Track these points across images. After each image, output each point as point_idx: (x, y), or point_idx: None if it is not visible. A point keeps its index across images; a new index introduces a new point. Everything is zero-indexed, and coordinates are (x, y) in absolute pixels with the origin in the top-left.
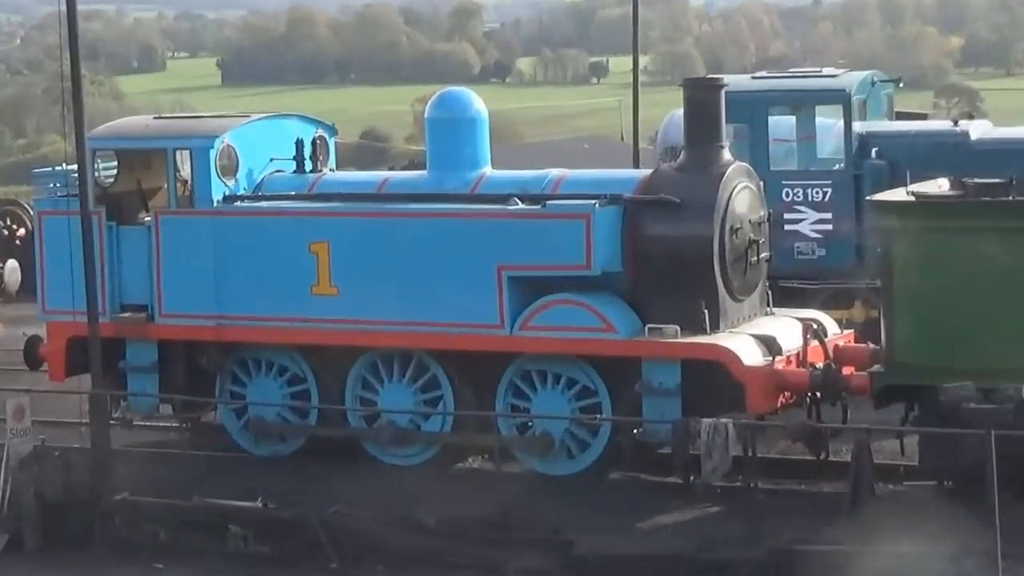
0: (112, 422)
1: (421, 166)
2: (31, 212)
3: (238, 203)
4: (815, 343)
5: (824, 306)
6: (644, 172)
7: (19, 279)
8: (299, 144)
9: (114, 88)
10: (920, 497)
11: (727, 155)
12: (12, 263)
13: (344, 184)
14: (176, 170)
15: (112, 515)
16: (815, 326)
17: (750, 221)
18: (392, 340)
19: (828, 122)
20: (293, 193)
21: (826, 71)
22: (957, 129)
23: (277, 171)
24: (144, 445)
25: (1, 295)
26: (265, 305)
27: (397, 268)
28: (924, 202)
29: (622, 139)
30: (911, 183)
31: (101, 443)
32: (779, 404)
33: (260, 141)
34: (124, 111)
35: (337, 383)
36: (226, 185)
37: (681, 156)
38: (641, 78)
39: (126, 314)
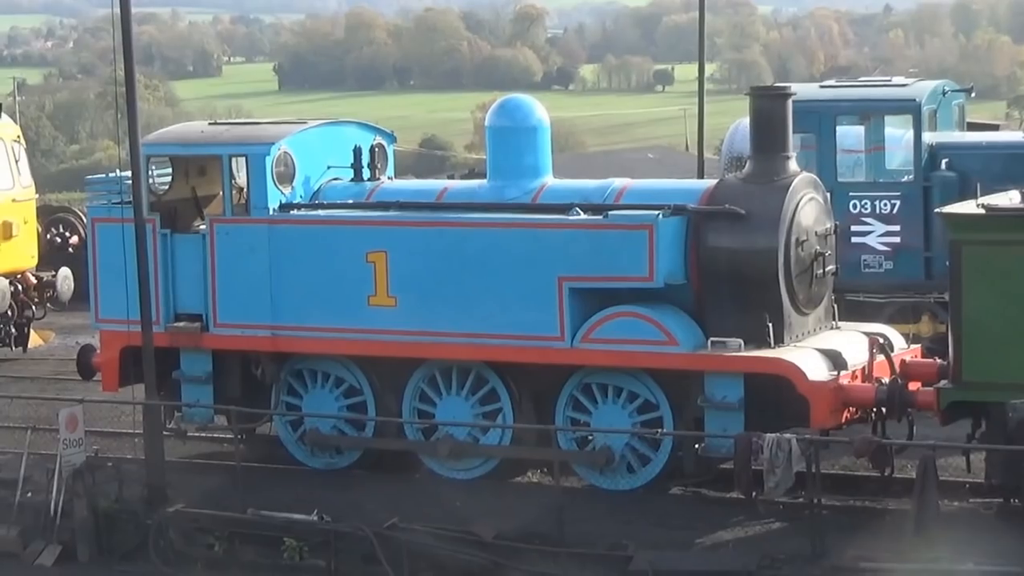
0: (166, 433)
1: (482, 175)
2: (84, 219)
3: (294, 211)
4: (881, 358)
5: (891, 320)
6: (709, 182)
7: (72, 287)
8: (357, 152)
9: (169, 93)
10: (986, 515)
11: (794, 166)
12: (65, 271)
13: (403, 193)
14: (231, 177)
15: (166, 527)
16: (881, 340)
17: (816, 233)
18: (450, 352)
19: (897, 132)
20: (351, 201)
21: (896, 80)
22: None
23: (334, 179)
24: (198, 456)
25: (54, 303)
26: (321, 315)
27: (456, 279)
28: (995, 215)
29: (687, 149)
30: (981, 195)
31: (155, 454)
32: (844, 419)
33: (317, 148)
34: (179, 116)
35: (394, 395)
36: (282, 193)
37: (747, 166)
38: (707, 86)
39: (180, 323)
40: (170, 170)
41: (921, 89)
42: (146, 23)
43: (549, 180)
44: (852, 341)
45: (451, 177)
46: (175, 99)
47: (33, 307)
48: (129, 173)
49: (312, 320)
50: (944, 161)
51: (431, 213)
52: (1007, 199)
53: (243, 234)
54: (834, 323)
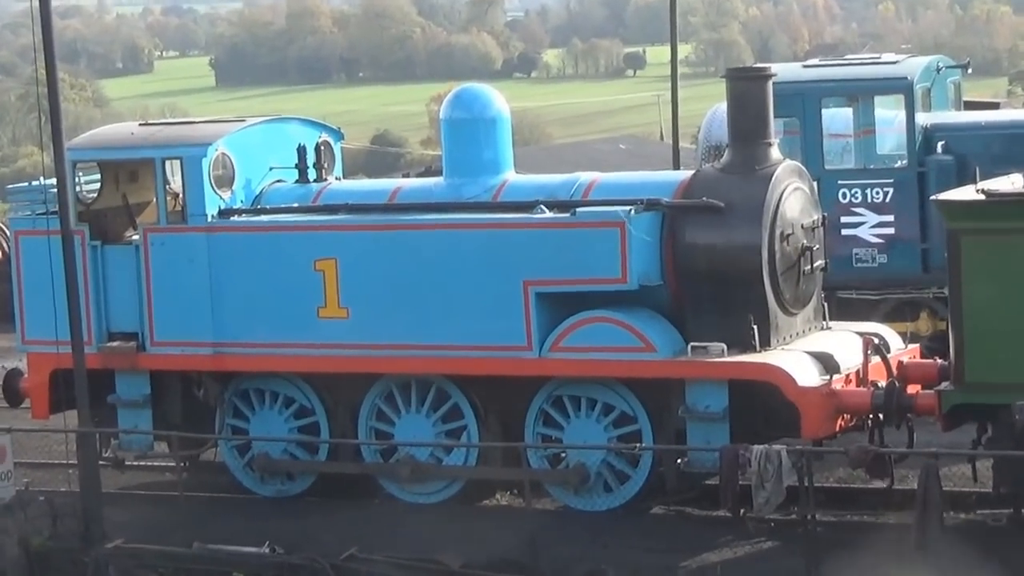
0: (102, 463)
1: (438, 172)
2: (7, 232)
3: (235, 217)
4: (877, 359)
5: (886, 319)
6: (685, 174)
7: None
8: (301, 151)
9: (96, 93)
10: (995, 527)
11: (776, 153)
12: None
13: (352, 194)
14: (166, 182)
15: (105, 565)
16: (876, 341)
17: (803, 226)
18: (409, 366)
19: (889, 114)
20: (296, 205)
21: (886, 57)
22: None
23: (278, 181)
24: (138, 487)
25: None
26: (267, 330)
27: (412, 286)
28: (996, 201)
29: (661, 138)
30: (981, 180)
31: (91, 486)
32: (838, 428)
33: (259, 148)
34: (108, 118)
35: (349, 414)
36: (221, 198)
37: (725, 155)
38: (681, 70)
39: (114, 343)
40: (99, 176)
41: (914, 66)
42: (69, 17)
43: (511, 176)
44: (845, 342)
45: (406, 176)
46: (104, 99)
47: None
48: (54, 181)
49: (257, 335)
50: (940, 144)
51: (383, 215)
52: (1008, 183)
53: (180, 244)
54: (825, 323)
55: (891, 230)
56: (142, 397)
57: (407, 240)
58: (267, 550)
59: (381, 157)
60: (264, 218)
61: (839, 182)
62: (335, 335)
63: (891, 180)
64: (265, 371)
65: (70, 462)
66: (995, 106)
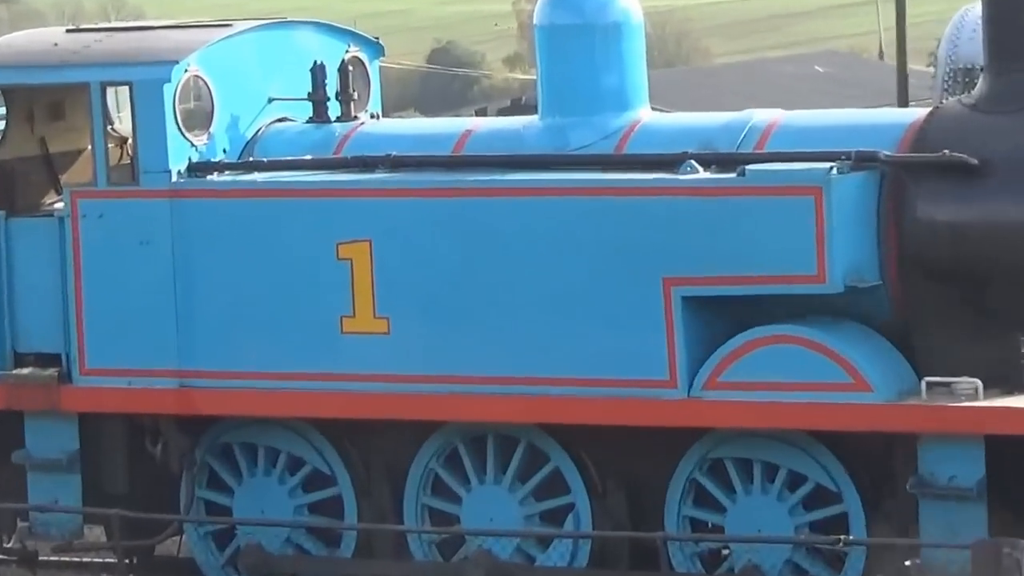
0: (3, 557)
1: (531, 109)
2: None
3: (214, 176)
4: None
5: None
6: (916, 113)
7: None
8: (319, 72)
9: None
10: None
11: None
12: None
13: (397, 141)
14: (107, 122)
15: None
16: None
17: None
18: (483, 410)
19: None
20: (309, 158)
21: None
22: None
23: (281, 120)
24: None
25: None
26: (263, 352)
27: (488, 285)
28: None
29: (880, 56)
30: None
31: None
32: None
33: (252, 69)
34: (19, 20)
35: (389, 485)
36: (193, 145)
37: (980, 84)
38: None
39: (23, 371)
40: (3, 111)
41: None
42: None
43: (644, 114)
44: None
45: (480, 114)
46: None
47: None
48: None
49: (246, 360)
50: None
51: (445, 175)
52: None
53: (128, 216)
54: None
55: None
56: (66, 455)
57: (481, 213)
58: None
59: (443, 83)
60: (259, 177)
61: None
62: (368, 361)
63: None
64: (258, 416)
65: None
66: None
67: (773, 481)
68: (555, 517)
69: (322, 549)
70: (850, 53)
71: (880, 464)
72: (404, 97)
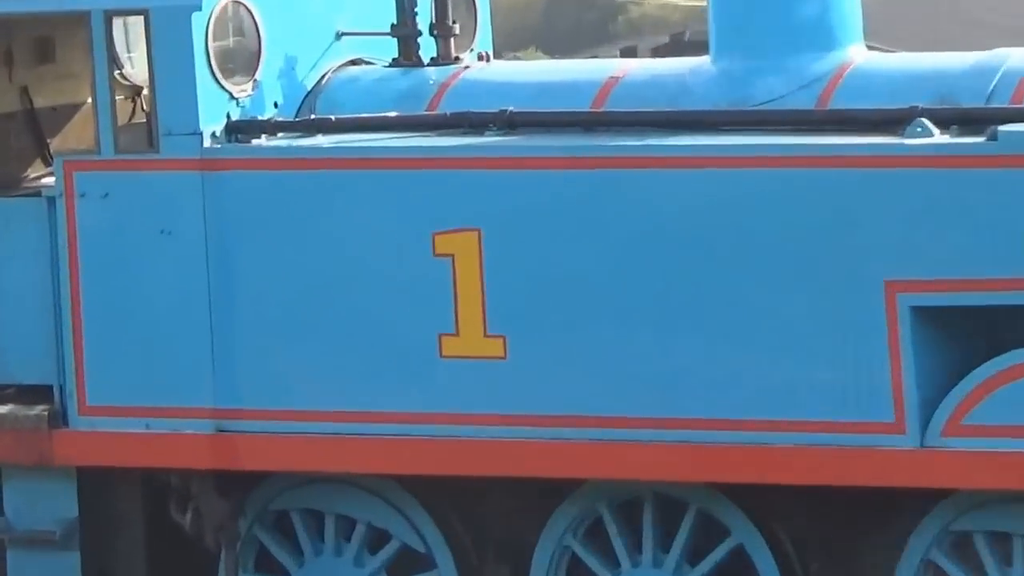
0: None
1: (699, 48)
2: None
3: (261, 140)
4: None
5: None
6: None
7: None
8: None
9: None
10: None
11: None
12: None
13: (513, 92)
14: (113, 63)
15: None
16: None
17: None
18: (638, 464)
19: None
20: (394, 114)
21: None
22: None
23: (353, 62)
24: None
25: None
26: (329, 385)
27: (642, 293)
28: None
29: None
30: None
31: None
32: None
33: None
34: None
35: (507, 567)
36: (234, 98)
37: None
38: None
39: (2, 408)
40: None
41: None
42: None
43: (856, 55)
44: None
45: (629, 54)
46: None
47: None
48: None
49: (306, 396)
50: None
51: (581, 139)
52: None
53: (143, 195)
54: None
55: None
56: (60, 527)
57: (632, 191)
58: None
59: (575, 12)
60: (324, 141)
61: None
62: (476, 396)
63: None
64: (324, 472)
65: None
66: None
67: None
68: None
69: None
70: None
71: None
72: (523, 31)
